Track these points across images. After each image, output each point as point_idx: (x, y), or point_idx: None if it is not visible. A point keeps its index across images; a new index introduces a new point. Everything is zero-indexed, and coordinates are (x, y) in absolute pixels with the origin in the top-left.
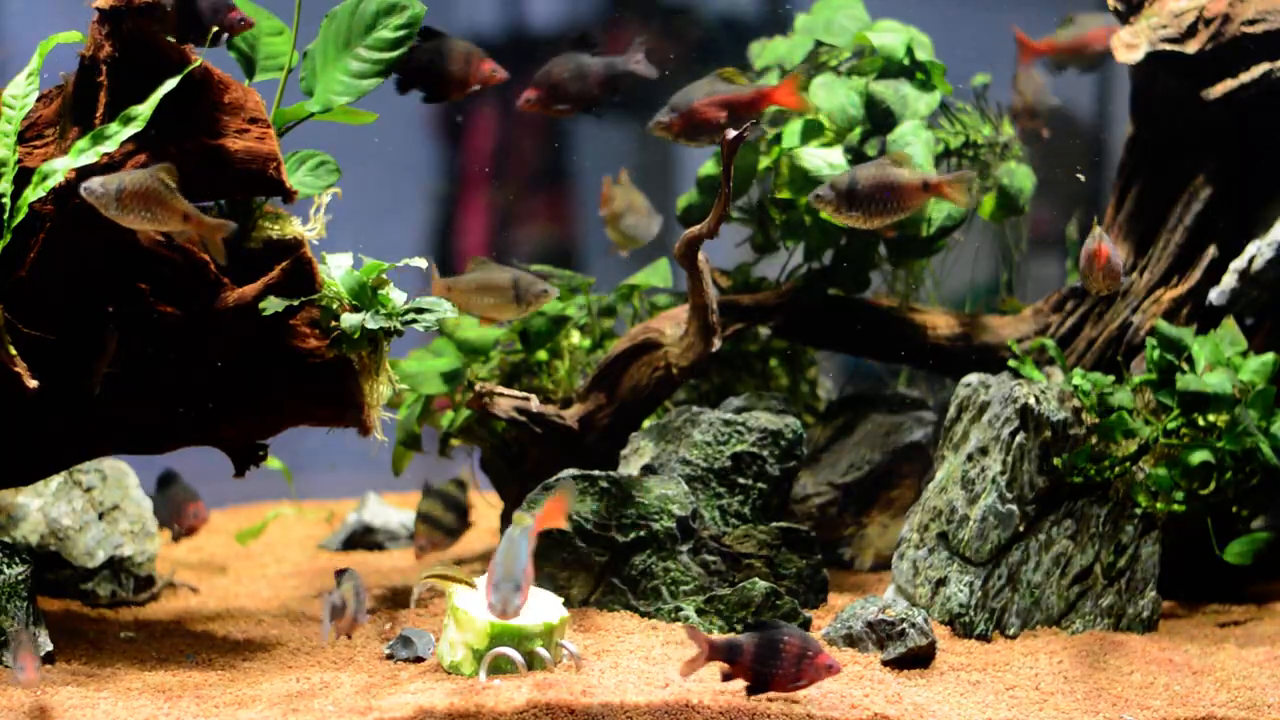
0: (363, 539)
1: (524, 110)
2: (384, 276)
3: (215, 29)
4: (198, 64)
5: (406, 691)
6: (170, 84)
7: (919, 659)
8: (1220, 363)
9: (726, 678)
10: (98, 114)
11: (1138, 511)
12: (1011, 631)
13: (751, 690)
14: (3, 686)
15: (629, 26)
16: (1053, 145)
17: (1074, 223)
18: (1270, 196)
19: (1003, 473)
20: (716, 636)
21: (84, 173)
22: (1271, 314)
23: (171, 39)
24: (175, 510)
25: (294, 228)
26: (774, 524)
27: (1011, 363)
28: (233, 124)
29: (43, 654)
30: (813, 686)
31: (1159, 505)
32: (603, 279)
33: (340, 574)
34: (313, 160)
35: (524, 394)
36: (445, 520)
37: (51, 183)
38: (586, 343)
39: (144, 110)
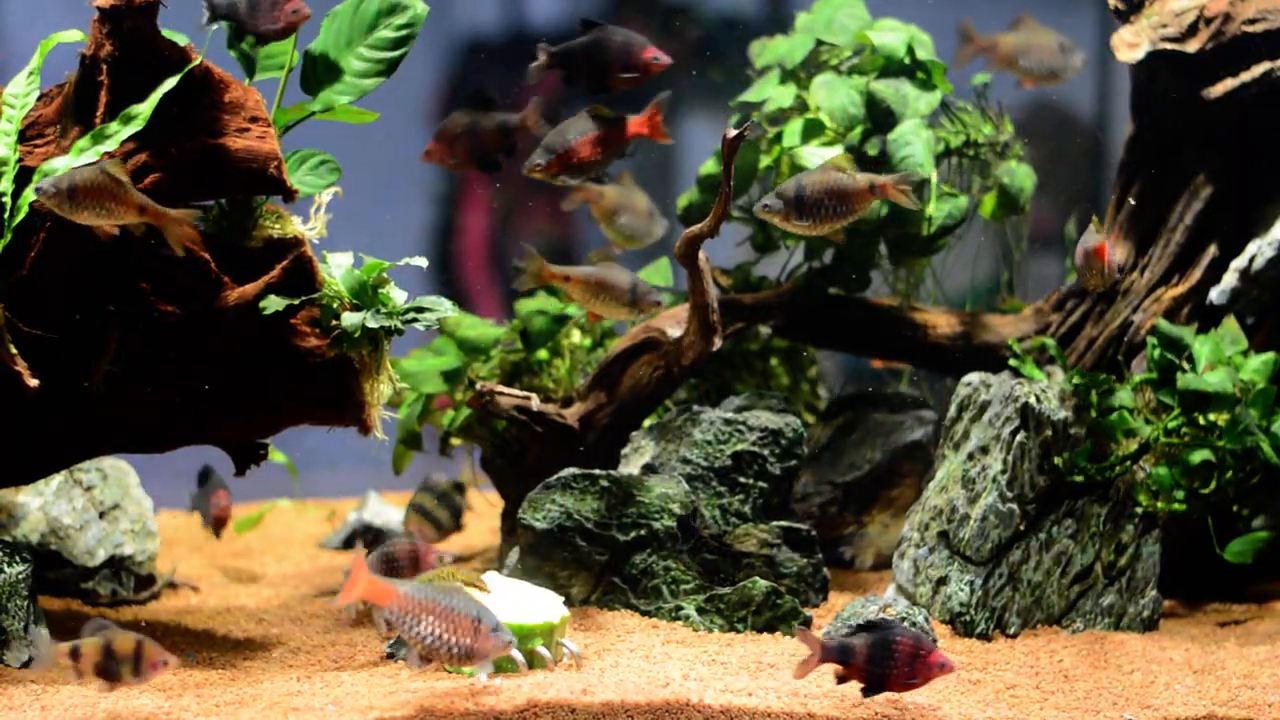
0: (363, 538)
1: (424, 161)
2: (384, 275)
3: (278, 26)
4: (197, 62)
5: (407, 690)
6: (170, 83)
7: None
8: (1221, 362)
9: (841, 680)
10: (98, 113)
11: (1138, 511)
12: (1012, 630)
13: (866, 691)
14: (2, 687)
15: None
16: (1052, 143)
17: (1073, 221)
18: (1271, 195)
19: (1003, 472)
20: (829, 639)
21: None
22: (1272, 313)
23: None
24: (207, 501)
25: (294, 227)
26: (775, 523)
27: (1012, 362)
28: (233, 123)
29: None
30: (814, 685)
31: (1159, 504)
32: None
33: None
34: (313, 159)
35: (524, 393)
36: (437, 515)
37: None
38: (587, 342)
39: (144, 109)
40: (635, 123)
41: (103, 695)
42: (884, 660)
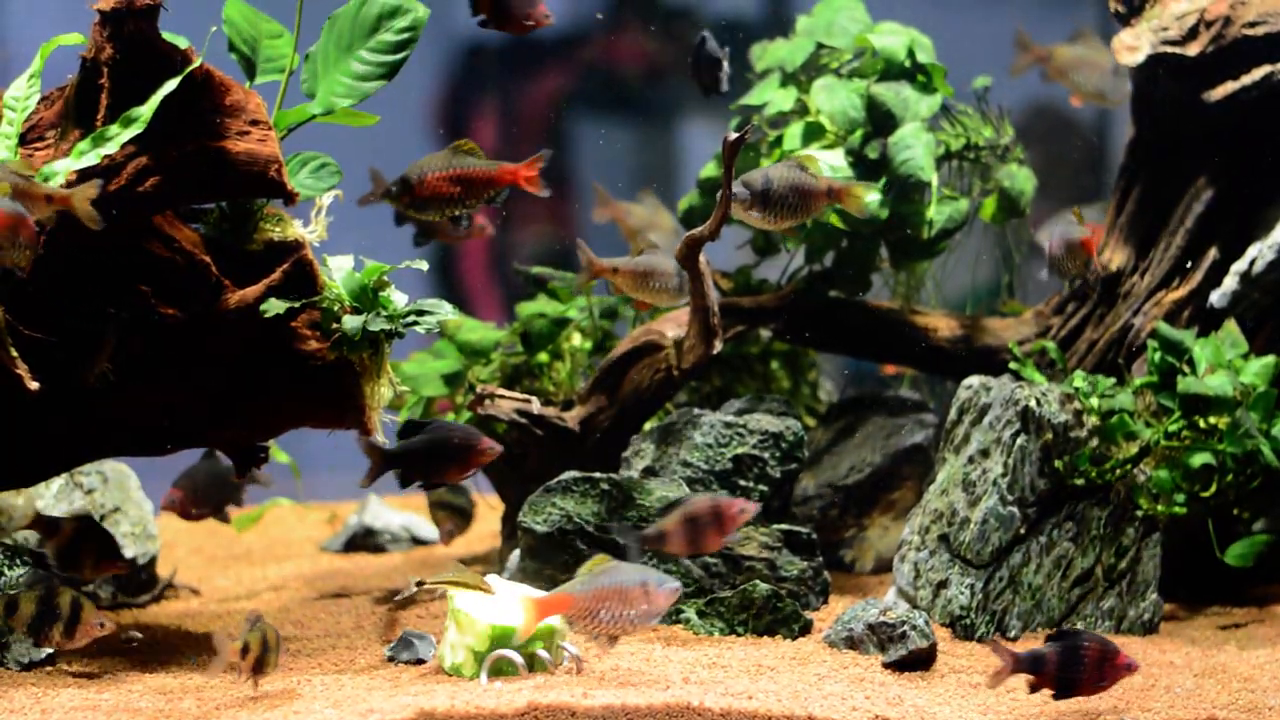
0: (364, 541)
1: None
2: (385, 278)
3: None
4: (198, 64)
5: (407, 694)
6: (170, 85)
7: (920, 661)
8: (1221, 365)
9: (1034, 689)
10: (99, 115)
11: (1139, 514)
12: (1012, 634)
13: (1057, 696)
14: (3, 689)
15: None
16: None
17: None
18: (1271, 199)
19: (1004, 475)
20: (1020, 649)
21: (84, 174)
22: (1273, 316)
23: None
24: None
25: (295, 230)
26: (775, 526)
27: (1013, 365)
28: (234, 126)
29: (43, 655)
30: (815, 688)
31: (1160, 507)
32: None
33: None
34: (314, 162)
35: (525, 396)
36: (459, 502)
37: (53, 184)
38: (588, 345)
39: (144, 112)
40: (508, 169)
41: (103, 697)
42: (1074, 666)
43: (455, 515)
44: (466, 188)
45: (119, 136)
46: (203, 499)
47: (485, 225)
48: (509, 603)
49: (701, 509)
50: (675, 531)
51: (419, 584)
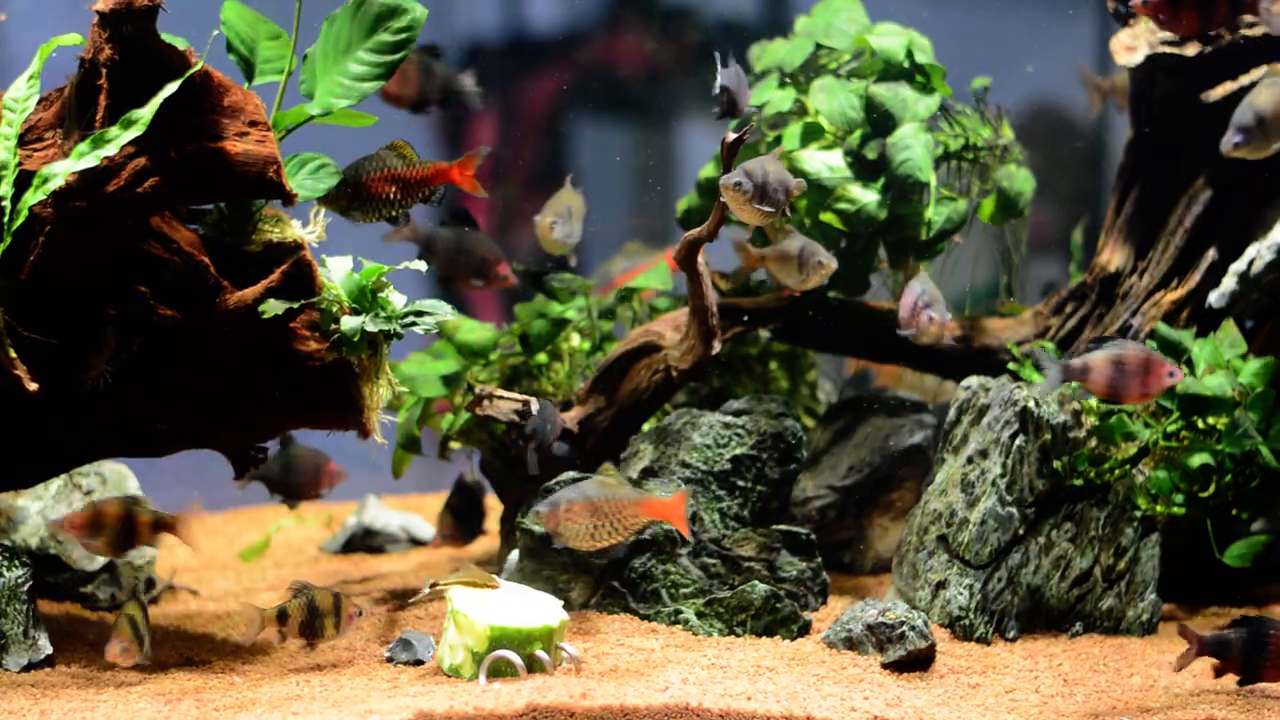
0: (362, 542)
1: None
2: (383, 279)
3: None
4: (198, 67)
5: (406, 694)
6: (171, 88)
7: (919, 662)
8: (1220, 365)
9: (1219, 673)
10: (98, 116)
11: (1137, 514)
12: (1011, 634)
13: (1242, 682)
14: (2, 690)
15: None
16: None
17: (1080, 228)
18: (1269, 199)
19: (1002, 475)
20: (1207, 634)
21: (84, 176)
22: (1271, 316)
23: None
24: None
25: (294, 231)
26: (774, 527)
27: (1011, 365)
28: (232, 127)
29: (42, 657)
30: (813, 689)
31: (1159, 508)
32: (603, 282)
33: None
34: (313, 163)
35: (524, 396)
36: (465, 508)
37: (52, 186)
38: (586, 345)
39: (144, 114)
40: (443, 168)
41: (101, 698)
42: (1259, 652)
43: (457, 522)
44: (402, 188)
45: (119, 138)
46: (291, 486)
47: (508, 275)
48: (508, 605)
49: (1132, 356)
50: (1100, 369)
51: (433, 585)
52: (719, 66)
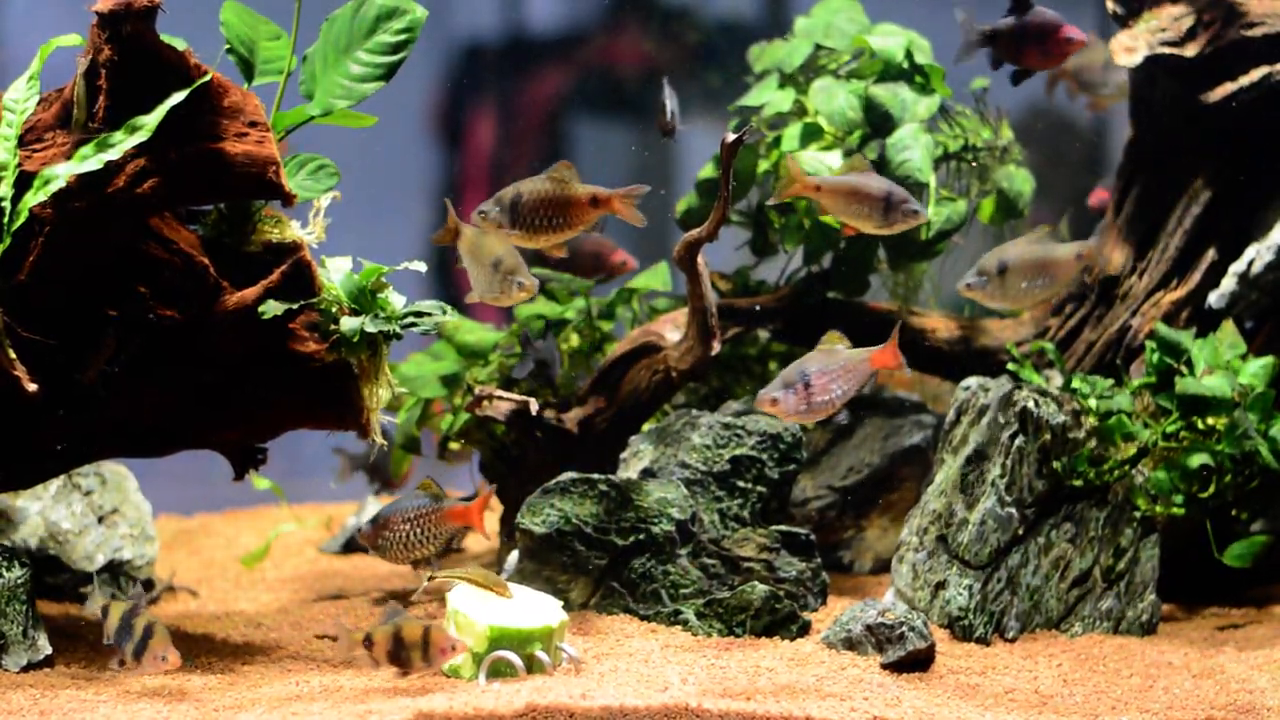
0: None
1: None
2: (383, 280)
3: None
4: (208, 78)
5: (405, 695)
6: (178, 97)
7: (918, 662)
8: (1219, 366)
9: None
10: (98, 117)
11: (1137, 515)
12: (1010, 635)
13: None
14: (1, 691)
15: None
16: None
17: (1064, 222)
18: (1269, 200)
19: (1002, 476)
20: None
21: (86, 178)
22: (1271, 317)
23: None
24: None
25: (293, 231)
26: (773, 527)
27: (1011, 366)
28: (232, 127)
29: (41, 657)
30: (813, 690)
31: (1158, 508)
32: (602, 282)
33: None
34: (312, 164)
35: (523, 397)
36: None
37: (53, 187)
38: (585, 346)
39: (150, 121)
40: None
41: (101, 699)
42: None
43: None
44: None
45: (123, 143)
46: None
47: (626, 260)
48: (507, 605)
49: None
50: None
51: (431, 578)
52: (667, 88)
